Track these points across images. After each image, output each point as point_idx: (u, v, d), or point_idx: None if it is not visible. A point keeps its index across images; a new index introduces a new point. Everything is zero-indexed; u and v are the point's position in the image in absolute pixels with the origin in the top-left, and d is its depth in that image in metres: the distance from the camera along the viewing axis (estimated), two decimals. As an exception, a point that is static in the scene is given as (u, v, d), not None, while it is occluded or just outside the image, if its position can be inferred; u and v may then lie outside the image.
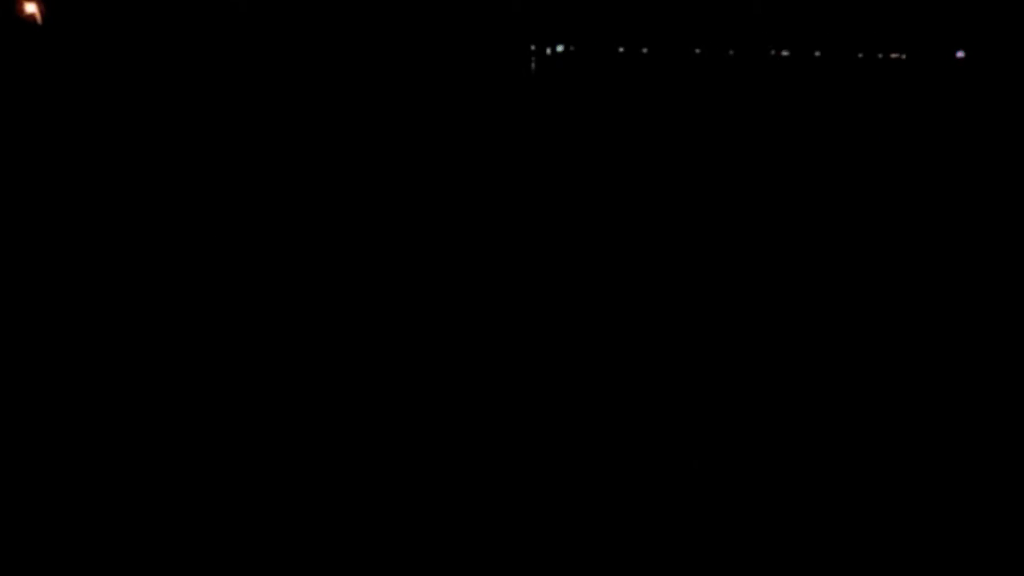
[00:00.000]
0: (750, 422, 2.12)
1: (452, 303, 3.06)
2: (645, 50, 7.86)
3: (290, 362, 2.42)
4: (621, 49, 7.97)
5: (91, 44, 8.91)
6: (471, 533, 1.65)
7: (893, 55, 6.74)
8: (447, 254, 3.70)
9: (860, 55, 6.94)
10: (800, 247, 3.90)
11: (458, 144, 7.25)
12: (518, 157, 6.76)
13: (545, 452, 1.96)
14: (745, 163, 6.46)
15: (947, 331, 2.76)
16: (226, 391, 2.20)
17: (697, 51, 7.71)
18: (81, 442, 1.90)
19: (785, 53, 7.26)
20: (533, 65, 8.41)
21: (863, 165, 6.32)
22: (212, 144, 6.93)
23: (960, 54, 6.46)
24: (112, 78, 8.97)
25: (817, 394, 2.29)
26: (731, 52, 7.51)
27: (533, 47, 8.15)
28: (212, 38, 9.88)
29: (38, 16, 8.01)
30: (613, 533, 1.65)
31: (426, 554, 1.57)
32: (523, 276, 3.44)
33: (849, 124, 7.53)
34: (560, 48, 8.20)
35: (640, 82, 8.67)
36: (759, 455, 1.95)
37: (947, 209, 4.78)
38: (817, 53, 7.19)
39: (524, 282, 3.36)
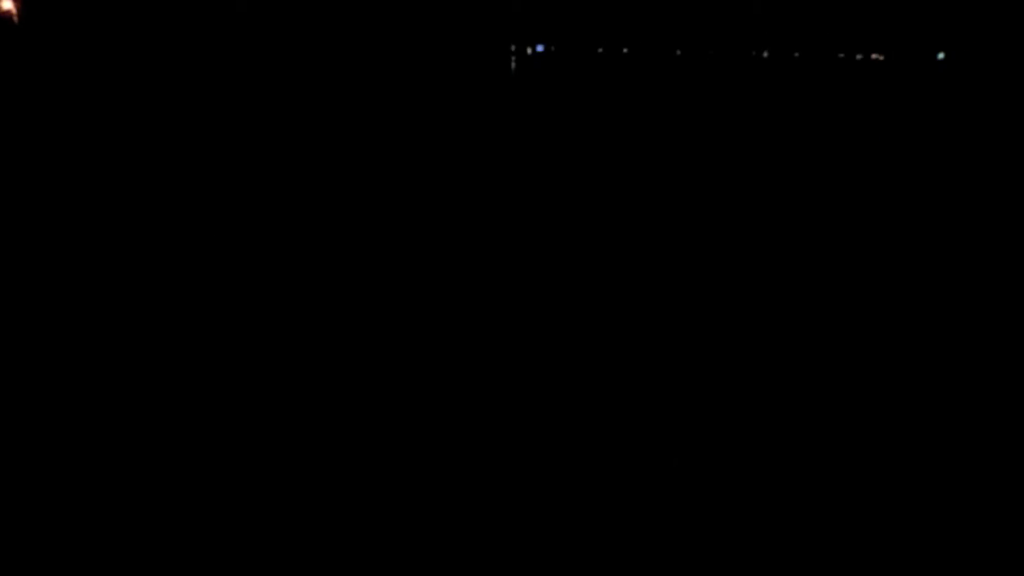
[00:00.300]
0: (735, 420, 2.05)
1: (430, 301, 3.00)
2: (625, 50, 7.76)
3: (267, 361, 2.36)
4: (601, 49, 7.87)
5: (74, 43, 8.85)
6: (466, 532, 1.60)
7: (873, 56, 6.64)
8: (425, 252, 3.65)
9: (840, 55, 6.83)
10: (782, 249, 3.82)
11: (435, 143, 7.19)
12: (496, 156, 6.70)
13: (531, 451, 1.90)
14: (727, 165, 6.38)
15: (932, 334, 2.68)
16: (224, 391, 2.15)
17: (678, 52, 7.61)
18: (81, 442, 1.85)
19: (765, 54, 7.16)
20: (513, 65, 8.32)
21: (846, 167, 6.23)
22: (198, 142, 6.87)
23: (940, 56, 6.35)
24: (98, 79, 8.91)
25: (801, 393, 2.22)
26: (711, 53, 7.41)
27: (513, 47, 8.06)
28: (202, 35, 9.81)
29: (14, 13, 7.94)
30: (601, 530, 1.59)
31: (424, 554, 1.52)
32: (502, 275, 3.38)
33: (830, 126, 7.42)
34: (540, 48, 8.11)
35: (621, 83, 8.59)
36: (750, 453, 1.89)
37: (930, 211, 4.70)
38: (797, 54, 7.08)
39: (503, 281, 3.30)
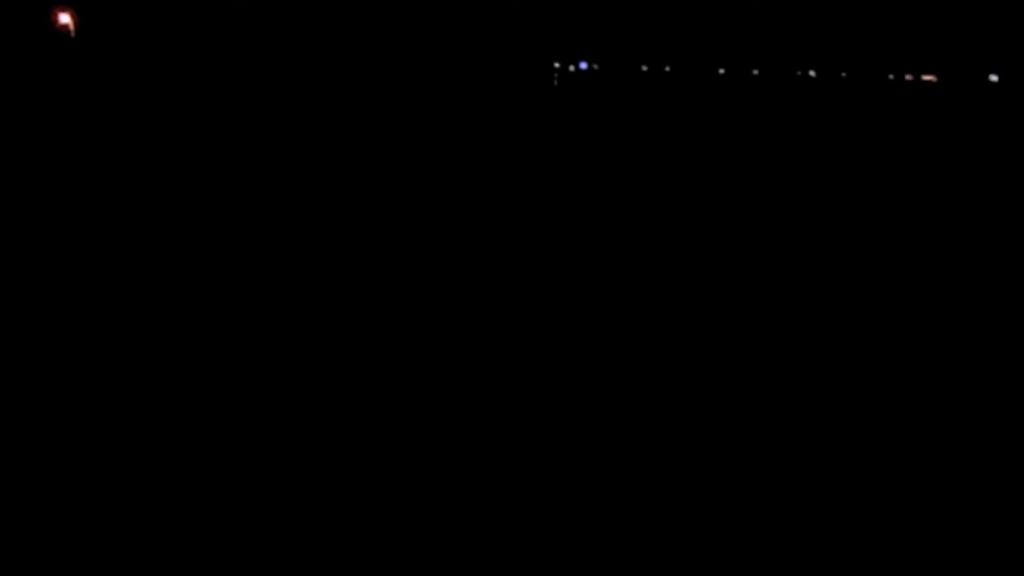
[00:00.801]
0: (746, 421, 2.04)
1: (473, 300, 3.04)
2: (668, 68, 7.82)
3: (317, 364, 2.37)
4: (644, 68, 7.94)
5: (123, 53, 9.09)
6: (470, 533, 1.59)
7: (925, 77, 6.62)
8: (467, 256, 3.71)
9: (890, 76, 6.82)
10: (822, 271, 3.80)
11: (477, 151, 7.28)
12: (534, 165, 6.76)
13: (546, 450, 1.89)
14: (768, 183, 6.36)
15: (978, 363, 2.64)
16: (226, 391, 2.16)
17: (721, 71, 7.65)
18: (81, 442, 1.86)
19: (812, 74, 7.17)
20: (556, 81, 8.44)
21: (892, 189, 6.18)
22: (242, 149, 6.99)
23: (994, 78, 6.32)
24: (139, 84, 9.13)
25: (808, 397, 2.21)
26: (755, 72, 7.43)
27: (556, 64, 8.18)
28: (233, 45, 10.03)
29: (71, 27, 8.19)
30: (607, 532, 1.58)
31: (426, 554, 1.51)
32: (539, 278, 3.43)
33: (878, 147, 7.38)
34: (584, 66, 8.22)
35: (659, 99, 8.63)
36: (755, 454, 1.87)
37: (978, 235, 4.63)
38: (844, 74, 7.08)
39: (540, 283, 3.34)
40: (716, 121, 8.81)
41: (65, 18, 8.34)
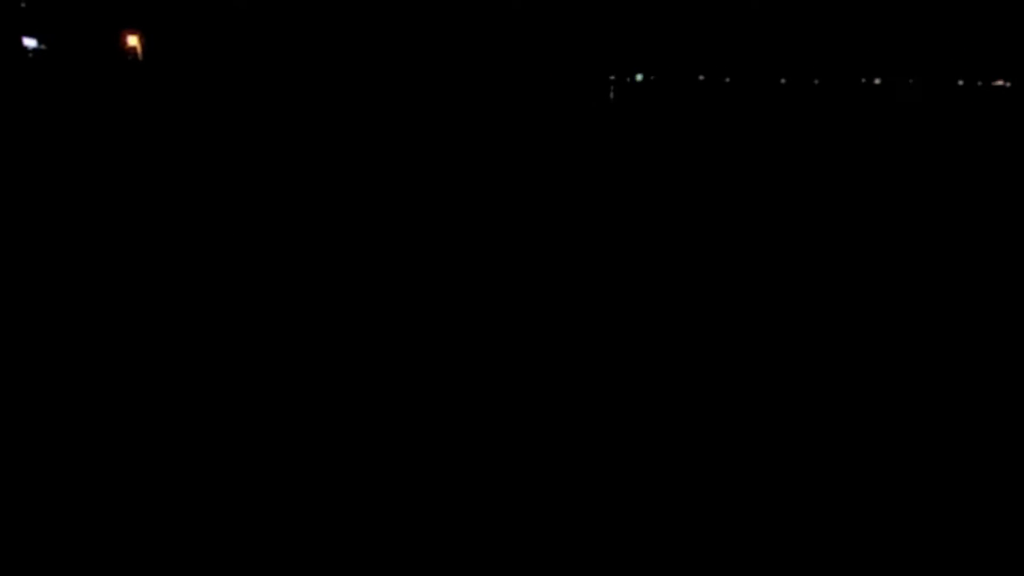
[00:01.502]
0: (749, 420, 2.01)
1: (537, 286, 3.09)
2: (728, 79, 7.81)
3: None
4: (701, 77, 7.94)
5: (188, 74, 9.33)
6: (471, 533, 1.53)
7: (997, 83, 6.51)
8: (521, 250, 3.78)
9: (960, 82, 6.72)
10: (850, 271, 3.74)
11: (536, 154, 7.34)
12: (587, 167, 6.80)
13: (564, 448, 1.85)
14: (814, 187, 6.26)
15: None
16: (226, 390, 2.09)
17: (783, 81, 7.60)
18: (81, 442, 1.81)
19: (877, 81, 7.08)
20: (612, 93, 8.51)
21: (973, 190, 6.04)
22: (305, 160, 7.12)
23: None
24: (197, 99, 9.35)
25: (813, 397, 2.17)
26: (817, 81, 7.37)
27: (613, 77, 8.24)
28: (290, 67, 10.21)
29: (139, 50, 8.44)
30: (608, 532, 1.54)
31: (426, 554, 1.46)
32: (591, 271, 3.46)
33: (945, 151, 7.25)
34: (639, 77, 8.25)
35: (714, 109, 8.60)
36: (756, 454, 1.84)
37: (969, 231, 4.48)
38: (911, 80, 6.98)
39: (594, 277, 3.38)
40: (773, 131, 8.73)
41: (132, 40, 8.62)
